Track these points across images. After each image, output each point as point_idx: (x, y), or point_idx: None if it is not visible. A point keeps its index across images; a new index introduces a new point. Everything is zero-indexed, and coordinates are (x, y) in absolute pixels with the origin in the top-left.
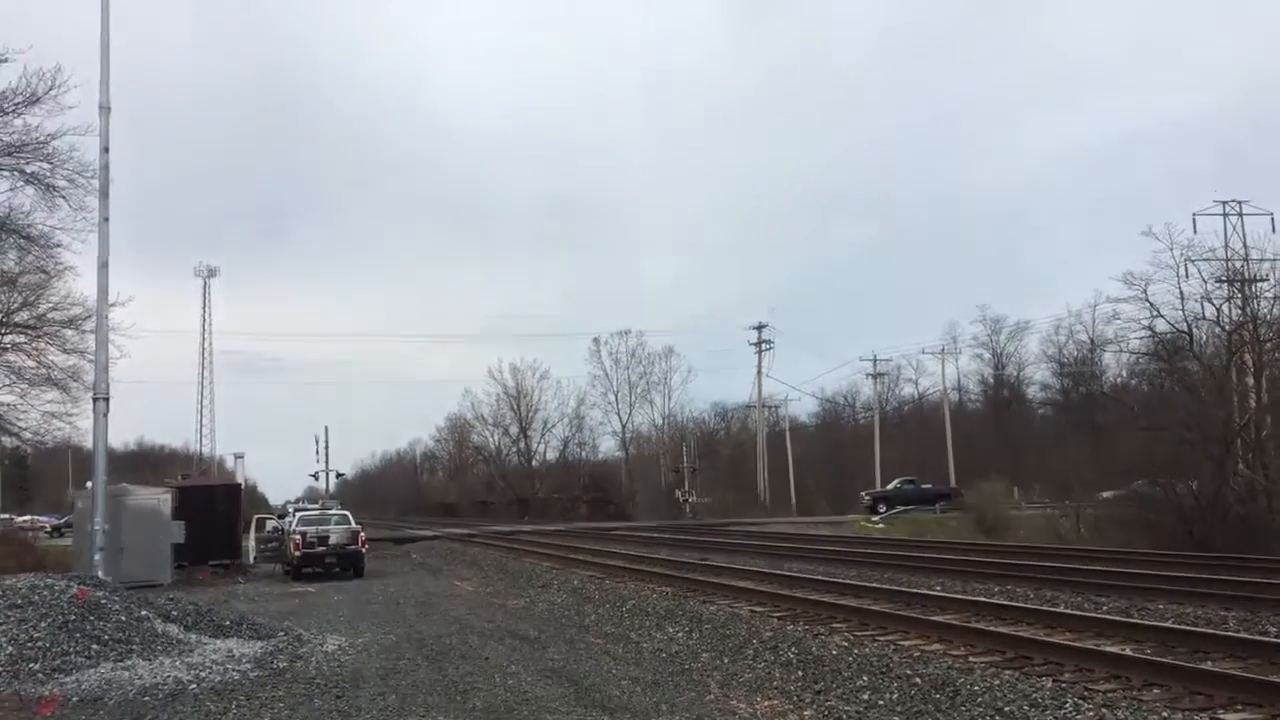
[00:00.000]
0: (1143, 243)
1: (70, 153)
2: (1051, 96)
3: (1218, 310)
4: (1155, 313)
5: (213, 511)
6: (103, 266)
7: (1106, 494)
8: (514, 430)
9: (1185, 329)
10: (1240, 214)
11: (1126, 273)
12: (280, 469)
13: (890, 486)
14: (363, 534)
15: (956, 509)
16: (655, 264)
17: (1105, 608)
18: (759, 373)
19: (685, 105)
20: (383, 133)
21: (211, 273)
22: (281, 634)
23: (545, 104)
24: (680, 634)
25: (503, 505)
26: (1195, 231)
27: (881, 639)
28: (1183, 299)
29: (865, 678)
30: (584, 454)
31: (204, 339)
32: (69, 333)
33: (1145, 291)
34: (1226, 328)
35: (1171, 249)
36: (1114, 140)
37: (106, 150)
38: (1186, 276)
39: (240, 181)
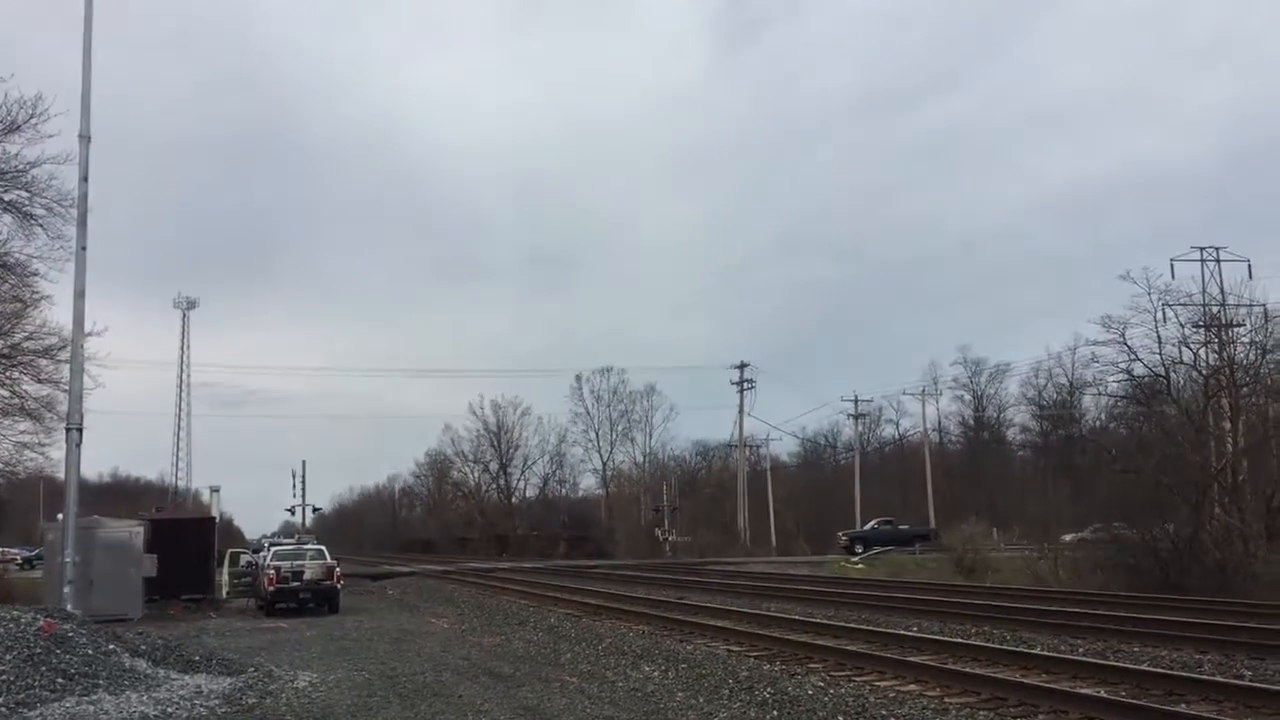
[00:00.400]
0: (1121, 287)
1: (49, 181)
2: (1034, 139)
3: (1195, 355)
4: (1133, 356)
5: (185, 545)
6: (79, 295)
7: (1068, 536)
8: (494, 467)
9: (1163, 373)
10: (1218, 260)
11: (1105, 316)
12: (256, 503)
13: (867, 527)
14: (338, 569)
15: (935, 550)
16: (638, 302)
17: (1081, 650)
18: (740, 412)
19: (668, 147)
20: (364, 167)
21: (191, 304)
22: (252, 670)
23: (528, 144)
24: (656, 673)
25: (481, 542)
26: (1173, 277)
27: (858, 679)
28: (1160, 343)
29: (841, 718)
30: (564, 491)
31: (182, 371)
32: (44, 362)
33: (1123, 335)
34: (1204, 372)
35: (1150, 293)
36: (1094, 185)
37: (86, 179)
38: (1164, 321)
39: (220, 214)
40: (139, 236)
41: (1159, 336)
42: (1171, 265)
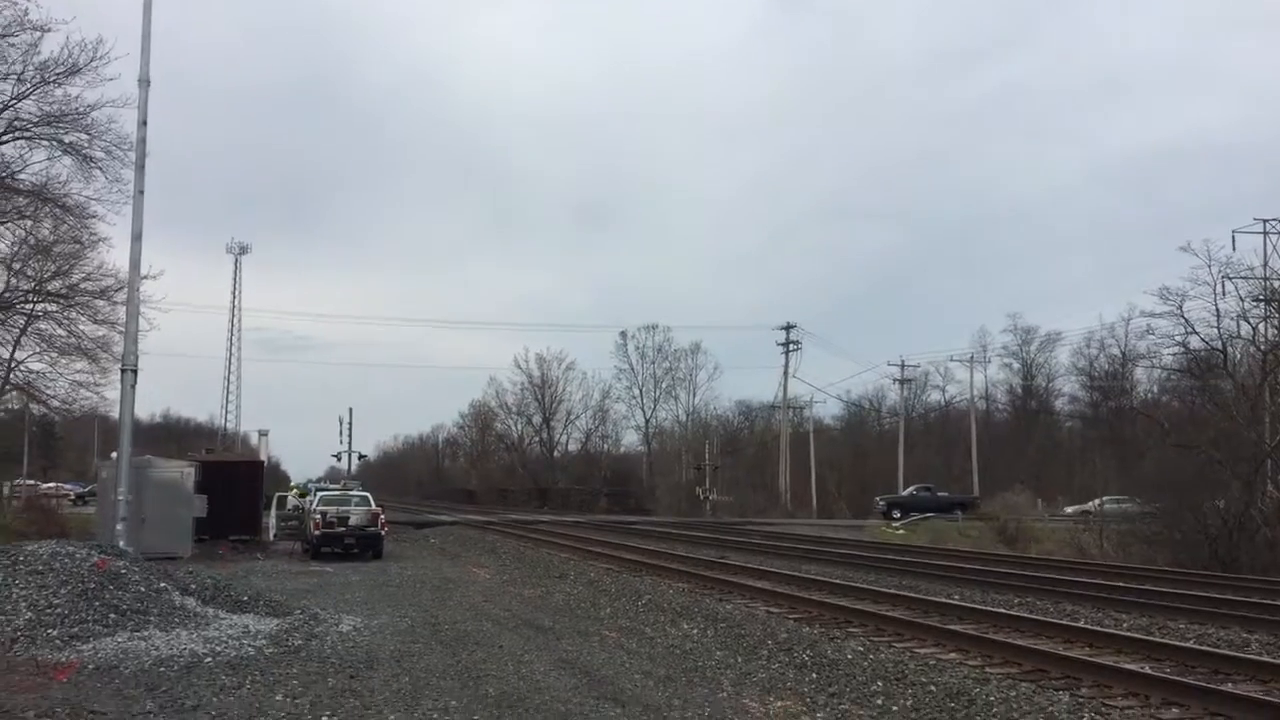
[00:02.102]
0: (1179, 258)
1: (108, 124)
2: (1093, 105)
3: (1254, 329)
4: (1190, 329)
5: (234, 487)
6: (136, 239)
7: (1099, 501)
8: (537, 420)
9: (1220, 347)
10: None
11: (1162, 288)
12: (303, 447)
13: (906, 493)
14: (383, 516)
15: (977, 518)
16: (686, 260)
17: (1126, 625)
18: (785, 373)
19: (718, 107)
20: (417, 117)
21: (243, 250)
22: (298, 612)
23: (579, 98)
24: (695, 631)
25: (522, 494)
26: (1234, 249)
27: (898, 645)
28: (1218, 316)
29: (880, 683)
30: (606, 447)
31: (233, 315)
32: (100, 303)
33: (1180, 307)
34: (1262, 347)
35: (1209, 265)
36: (1154, 154)
37: (144, 124)
38: (1223, 294)
39: (274, 160)
40: (194, 181)
41: (1217, 309)
42: (1233, 237)
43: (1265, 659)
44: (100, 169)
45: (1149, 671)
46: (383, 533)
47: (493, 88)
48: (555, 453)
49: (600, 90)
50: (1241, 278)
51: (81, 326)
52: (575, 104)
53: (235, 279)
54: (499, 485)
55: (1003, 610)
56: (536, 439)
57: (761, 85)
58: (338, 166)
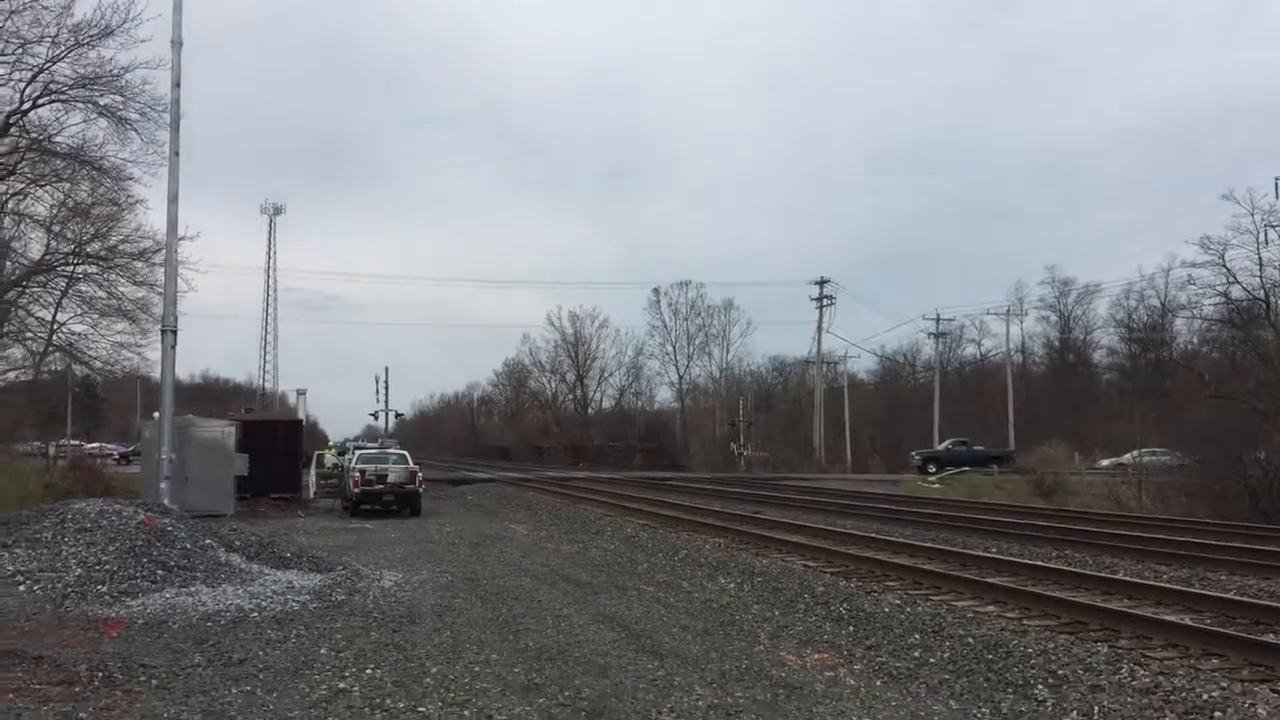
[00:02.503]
0: (1221, 208)
1: (142, 86)
2: (1133, 50)
3: None
4: (1231, 279)
5: (274, 445)
6: (173, 200)
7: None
8: (571, 378)
9: (1262, 296)
10: None
11: (1204, 237)
12: (340, 407)
13: (941, 447)
14: (420, 474)
15: (1013, 472)
16: (718, 216)
17: (1165, 577)
18: (819, 328)
19: (752, 58)
20: (449, 74)
21: (278, 210)
22: (340, 568)
23: (612, 51)
24: (732, 585)
25: (557, 451)
26: (1278, 197)
27: (935, 599)
28: (1261, 266)
29: (917, 636)
30: (640, 403)
31: (269, 276)
32: (139, 265)
33: (1222, 257)
34: None
35: (1252, 214)
36: (1197, 99)
37: (178, 85)
38: (1266, 243)
39: (306, 119)
40: (228, 142)
41: (1260, 258)
42: (1276, 184)
43: None
44: (136, 131)
45: (1189, 623)
46: (420, 490)
47: (527, 39)
48: (589, 410)
49: (634, 46)
50: None
51: (121, 288)
52: (612, 55)
53: (270, 239)
54: (534, 443)
55: (1040, 563)
56: (570, 396)
57: (797, 38)
58: (370, 125)
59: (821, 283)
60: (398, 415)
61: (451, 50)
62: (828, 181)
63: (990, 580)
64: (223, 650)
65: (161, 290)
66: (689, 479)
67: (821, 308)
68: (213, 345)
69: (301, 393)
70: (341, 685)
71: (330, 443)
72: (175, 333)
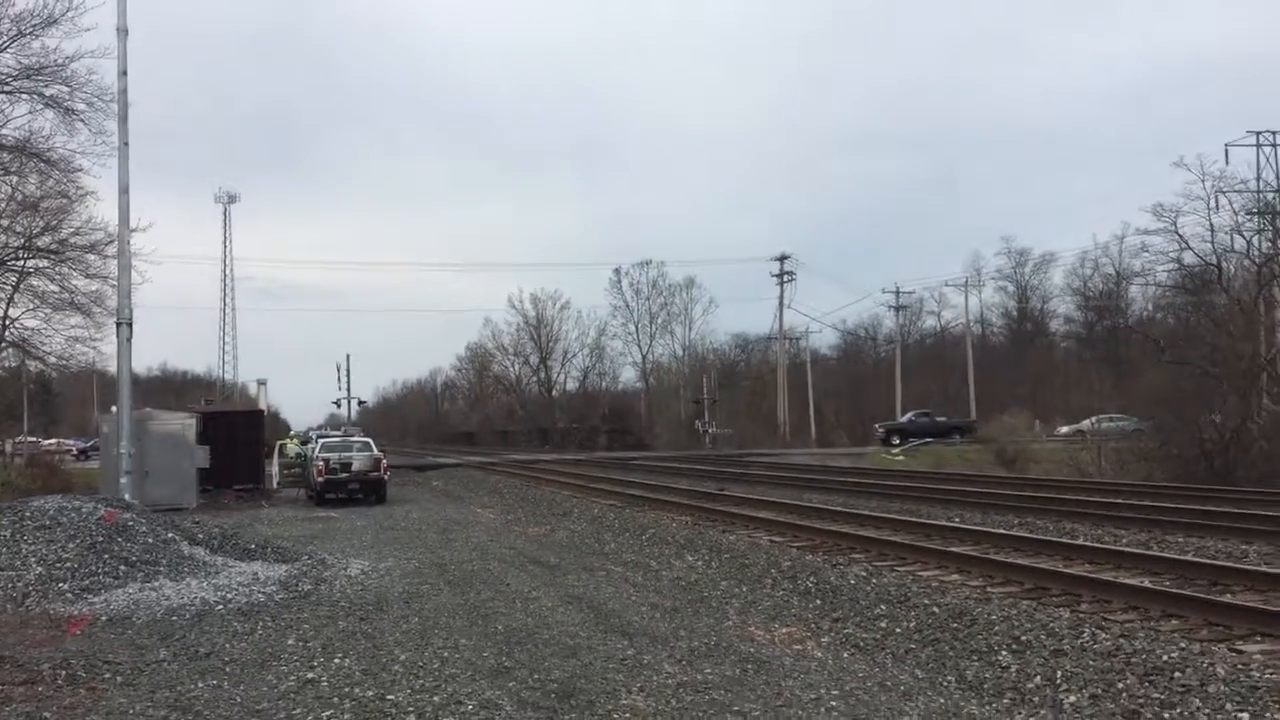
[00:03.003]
0: (1174, 174)
1: (88, 76)
2: (1082, 20)
3: (1248, 243)
4: (1184, 245)
5: (236, 436)
6: (123, 191)
7: (1094, 419)
8: (534, 360)
9: (1214, 262)
10: (1274, 144)
11: (1156, 204)
12: (303, 395)
13: (904, 419)
14: (385, 461)
15: (976, 441)
16: (677, 195)
17: (1125, 540)
18: (780, 304)
19: (712, 35)
20: (403, 56)
21: (232, 199)
22: (305, 558)
23: (572, 30)
24: (699, 563)
25: (522, 434)
26: (1227, 163)
27: (900, 569)
28: (1213, 231)
29: (883, 607)
30: (604, 384)
31: (225, 265)
32: (91, 257)
33: (1175, 224)
34: (1256, 260)
35: (1203, 180)
36: (1147, 70)
37: (125, 73)
38: (1217, 208)
39: (261, 107)
40: (182, 131)
41: (1211, 224)
42: (1226, 150)
43: (1263, 569)
44: (83, 121)
45: (1148, 585)
46: (385, 477)
47: (485, 20)
48: (554, 392)
49: (593, 21)
50: (1235, 191)
51: (74, 281)
52: (572, 35)
53: (225, 228)
54: (499, 426)
55: (1003, 531)
56: (534, 379)
57: (751, 17)
58: (325, 109)
59: (782, 259)
60: (361, 403)
61: (407, 31)
62: (787, 157)
63: (954, 549)
64: (188, 644)
65: (115, 283)
66: (655, 458)
67: (782, 284)
68: (170, 337)
69: (262, 382)
70: (310, 675)
71: (291, 432)
72: (130, 325)
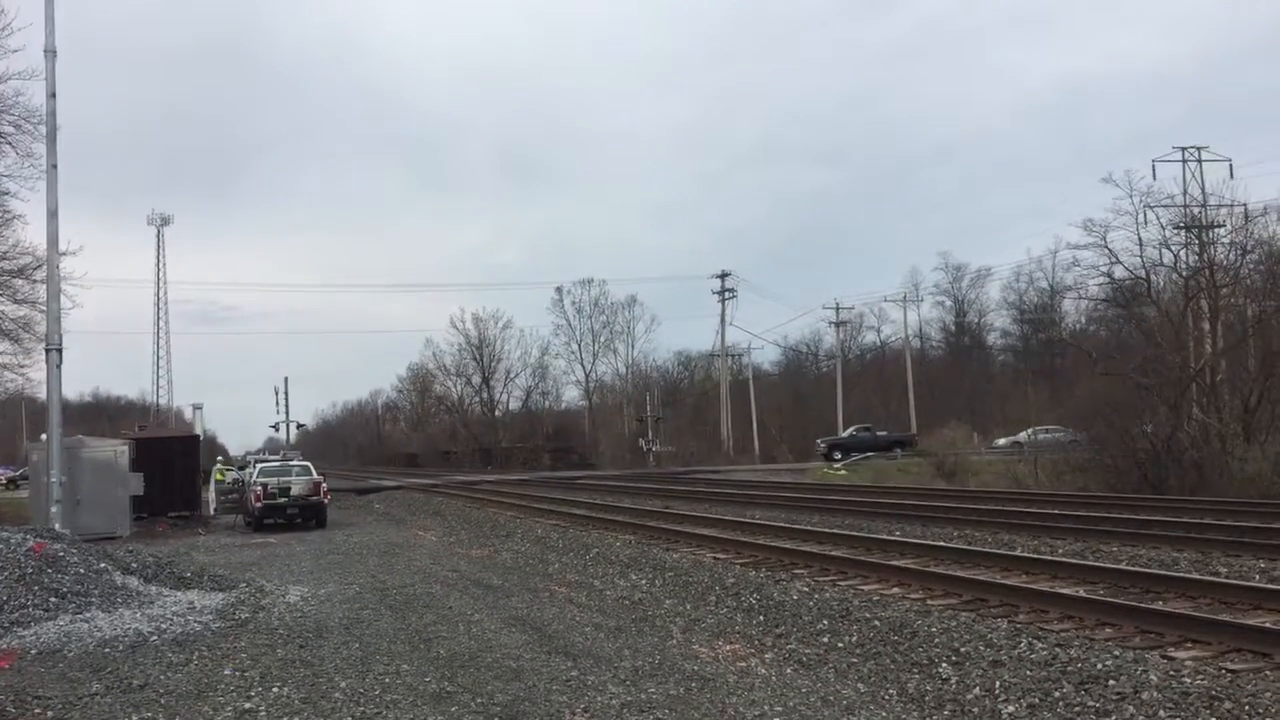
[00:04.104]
0: (1103, 190)
1: (15, 98)
2: (1016, 39)
3: (1175, 256)
4: (1114, 259)
5: (170, 463)
6: (52, 215)
7: (1031, 431)
8: (476, 380)
9: (1143, 275)
10: (1199, 160)
11: (1086, 219)
12: (240, 419)
13: (846, 434)
14: (324, 484)
15: (916, 454)
16: (620, 212)
17: (1061, 550)
18: (722, 321)
19: (644, 54)
20: (337, 75)
21: (165, 221)
22: (243, 585)
23: (504, 49)
24: (643, 581)
25: (465, 455)
26: (1155, 178)
27: (842, 584)
28: (1141, 245)
29: (825, 621)
30: (547, 403)
31: (158, 288)
32: (19, 282)
33: (1105, 238)
34: (1184, 274)
35: (1131, 196)
36: (1077, 87)
37: (54, 95)
38: (1145, 223)
39: (191, 128)
40: (111, 154)
41: (1140, 239)
42: (1153, 166)
43: (1193, 576)
44: (10, 144)
45: (1083, 595)
46: (325, 501)
47: (415, 41)
48: (496, 412)
49: (526, 40)
50: (1162, 206)
51: (1, 307)
52: (500, 56)
53: (158, 251)
54: (441, 448)
55: (943, 543)
56: (477, 399)
57: (687, 30)
58: (258, 131)
59: (723, 276)
60: (299, 426)
61: (341, 51)
62: (725, 174)
63: (895, 563)
64: (122, 677)
65: (44, 308)
66: (598, 477)
67: (724, 300)
68: (103, 362)
69: (198, 407)
70: (247, 705)
71: (219, 458)
72: (60, 351)
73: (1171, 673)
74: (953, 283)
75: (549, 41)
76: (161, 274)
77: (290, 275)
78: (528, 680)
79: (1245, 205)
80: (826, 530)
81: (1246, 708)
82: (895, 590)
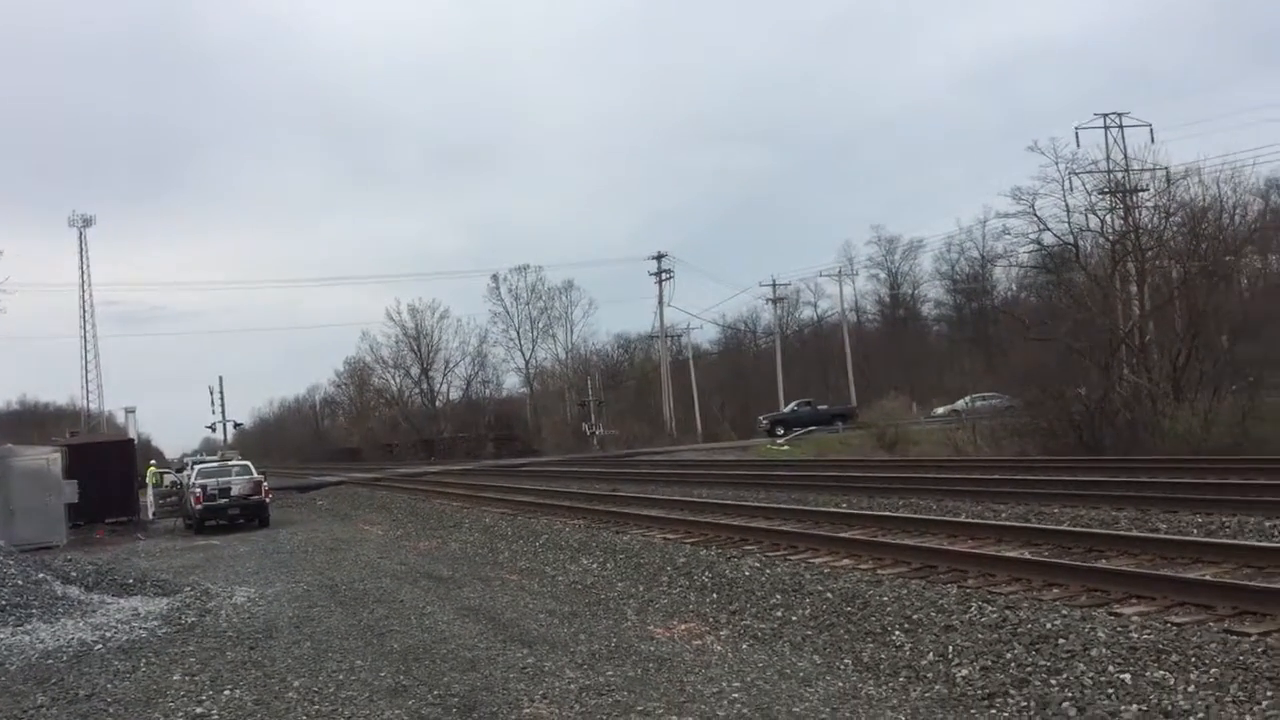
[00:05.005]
0: (1031, 158)
1: None
2: (943, 11)
3: (1102, 221)
4: (1043, 226)
5: (105, 468)
6: None
7: (967, 399)
8: (415, 371)
9: (1072, 241)
10: (1121, 126)
11: (1015, 188)
12: (176, 421)
13: (787, 409)
14: (266, 483)
15: (857, 427)
16: (552, 200)
17: (1004, 515)
18: (660, 302)
19: (578, 36)
20: (269, 68)
21: (87, 222)
22: (188, 589)
23: (435, 36)
24: (595, 565)
25: (407, 447)
26: (1079, 145)
27: (793, 558)
28: (1068, 212)
29: (778, 596)
30: (488, 392)
31: (83, 291)
32: None
33: (1033, 206)
34: (1110, 238)
35: (1057, 163)
36: (1003, 57)
37: None
38: (1071, 190)
39: (114, 124)
40: (27, 153)
41: (1067, 205)
42: (1076, 133)
43: (1134, 534)
44: None
45: (1029, 557)
46: (267, 500)
47: (347, 31)
48: (437, 403)
49: (458, 26)
50: (1087, 172)
51: None
52: (431, 43)
53: (82, 252)
54: (383, 441)
55: (889, 513)
56: (417, 390)
57: (620, 10)
58: (186, 126)
59: (659, 257)
60: (237, 425)
61: (273, 40)
62: (659, 154)
63: (844, 535)
64: (67, 687)
65: None
66: (543, 463)
67: (661, 281)
68: (30, 368)
69: (130, 411)
70: (199, 710)
71: (152, 461)
72: None
73: (1119, 629)
74: (886, 256)
75: (482, 26)
76: (86, 276)
77: (220, 272)
78: (484, 670)
79: (1167, 169)
80: (775, 506)
81: (1193, 659)
82: (846, 562)
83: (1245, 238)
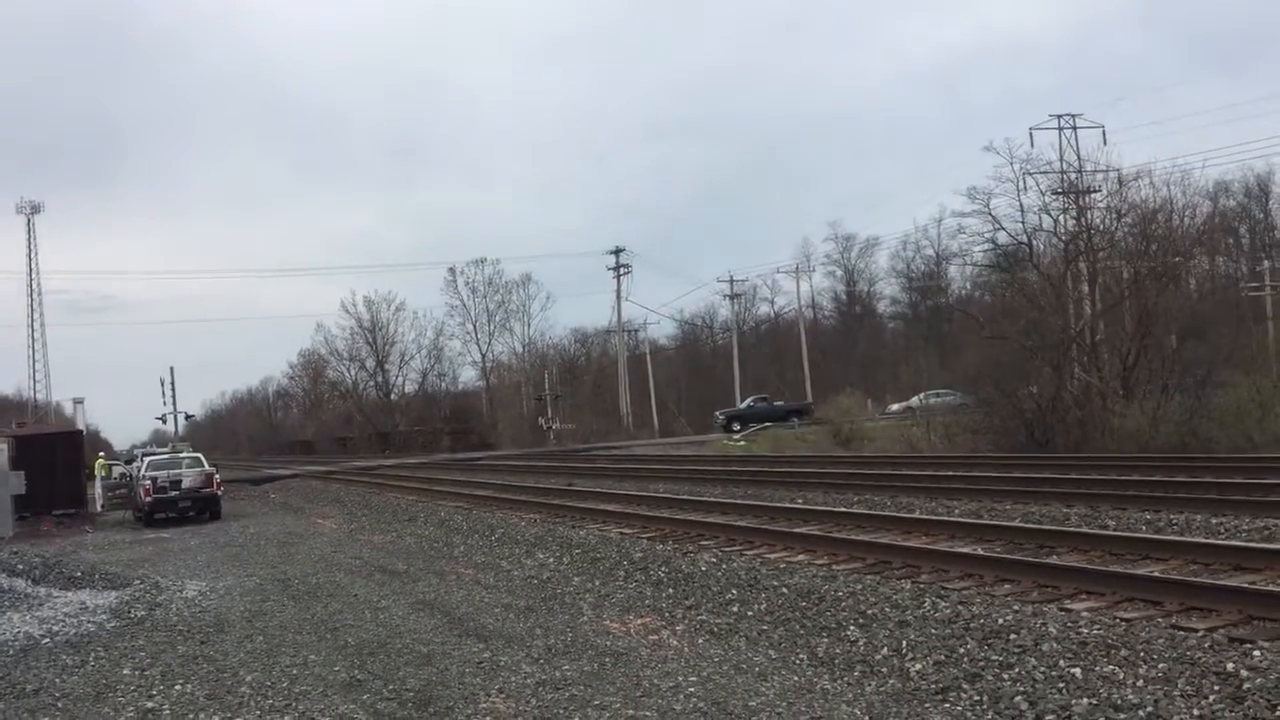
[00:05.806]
0: (986, 157)
1: None
2: (896, 10)
3: (1055, 221)
4: (997, 225)
5: (53, 460)
6: None
7: (921, 396)
8: (370, 364)
9: (1025, 240)
10: (1074, 127)
11: (970, 187)
12: (125, 413)
13: (743, 405)
14: (217, 476)
15: (813, 423)
16: (511, 193)
17: (957, 511)
18: (618, 296)
19: (532, 30)
20: (221, 56)
21: (35, 209)
22: (137, 582)
23: (390, 28)
24: (551, 560)
25: (362, 440)
26: (1033, 146)
27: (749, 553)
28: (1022, 211)
29: (734, 591)
30: (444, 385)
31: (31, 279)
32: None
33: (988, 205)
34: (1063, 238)
35: (1011, 163)
36: (956, 55)
37: None
38: (1025, 190)
39: (62, 111)
40: None
41: (1021, 205)
42: (1030, 134)
43: (1084, 530)
44: None
45: (981, 553)
46: (219, 493)
47: (301, 21)
48: (392, 396)
49: (411, 19)
50: (1041, 173)
51: None
52: (386, 35)
53: (29, 240)
54: (337, 434)
55: (844, 509)
56: (372, 383)
57: (572, 6)
58: (136, 113)
59: (617, 251)
60: (188, 417)
61: (222, 28)
62: (617, 148)
63: (799, 530)
64: (14, 682)
65: None
66: (499, 457)
67: (619, 276)
68: None
69: (79, 401)
70: (149, 705)
71: (101, 453)
72: None
73: (1069, 624)
74: (843, 253)
75: (434, 19)
76: (33, 264)
77: (173, 262)
78: (440, 664)
79: (1119, 170)
80: (731, 501)
81: (1142, 654)
82: (801, 557)
83: (1194, 239)
